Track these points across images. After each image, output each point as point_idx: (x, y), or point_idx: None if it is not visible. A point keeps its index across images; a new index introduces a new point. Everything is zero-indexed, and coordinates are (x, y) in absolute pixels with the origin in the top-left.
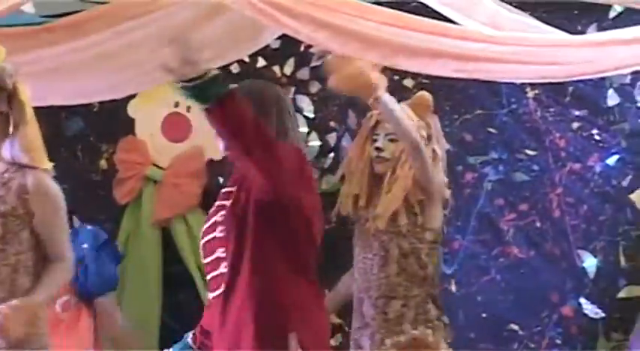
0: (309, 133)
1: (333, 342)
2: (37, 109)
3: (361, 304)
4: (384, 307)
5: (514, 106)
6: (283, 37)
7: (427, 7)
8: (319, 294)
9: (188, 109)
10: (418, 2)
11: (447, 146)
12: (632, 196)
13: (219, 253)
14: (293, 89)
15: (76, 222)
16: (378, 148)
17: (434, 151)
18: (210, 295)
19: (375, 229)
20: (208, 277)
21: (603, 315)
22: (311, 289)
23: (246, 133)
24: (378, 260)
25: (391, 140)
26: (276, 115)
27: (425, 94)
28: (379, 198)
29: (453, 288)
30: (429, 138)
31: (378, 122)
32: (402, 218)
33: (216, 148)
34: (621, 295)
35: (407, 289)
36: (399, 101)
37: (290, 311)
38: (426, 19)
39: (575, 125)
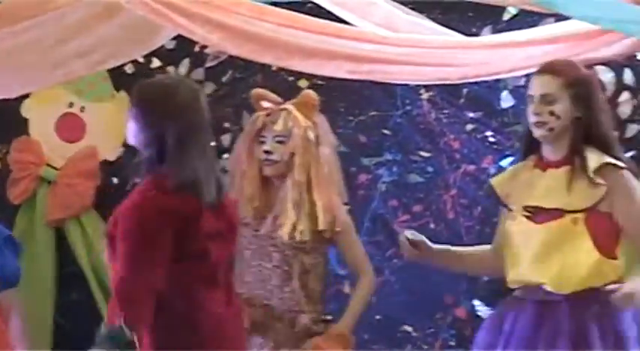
0: None
1: None
2: None
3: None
4: (291, 322)
5: (408, 108)
6: (178, 38)
7: (322, 8)
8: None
9: (82, 109)
10: (313, 3)
11: (341, 147)
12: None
13: None
14: None
15: None
16: (266, 151)
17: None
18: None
19: (279, 239)
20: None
21: None
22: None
23: None
24: (280, 273)
25: (279, 142)
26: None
27: (310, 93)
28: (272, 202)
29: (347, 289)
30: (316, 138)
31: (264, 124)
32: (305, 234)
33: (110, 148)
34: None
35: (308, 304)
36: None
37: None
38: (321, 21)
39: (470, 127)
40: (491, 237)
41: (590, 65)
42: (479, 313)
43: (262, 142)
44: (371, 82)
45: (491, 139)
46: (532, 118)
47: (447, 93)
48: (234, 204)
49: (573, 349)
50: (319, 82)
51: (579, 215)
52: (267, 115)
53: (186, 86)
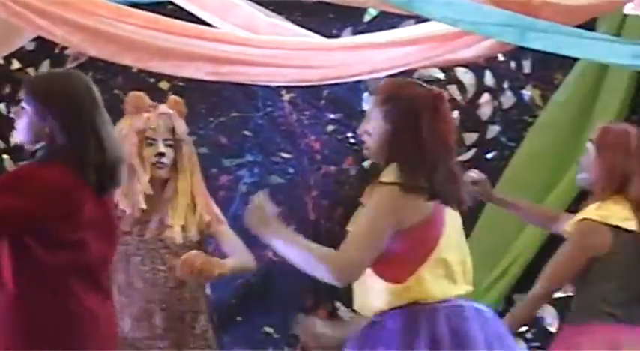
0: None
1: None
2: None
3: (151, 314)
4: (192, 322)
5: (269, 109)
6: (38, 39)
7: (183, 9)
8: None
9: None
10: (174, 5)
11: (202, 149)
12: None
13: None
14: None
15: None
16: (160, 154)
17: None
18: None
19: (170, 241)
20: None
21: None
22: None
23: None
24: (175, 275)
25: (168, 146)
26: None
27: (178, 100)
28: (156, 205)
29: (208, 291)
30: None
31: (149, 128)
32: (194, 233)
33: None
34: None
35: (205, 303)
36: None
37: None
38: (182, 22)
39: (331, 128)
40: None
41: (451, 66)
42: (341, 315)
43: (151, 145)
44: (232, 83)
45: (352, 141)
46: None
47: (308, 94)
48: (114, 204)
49: None
50: (180, 83)
51: None
52: (148, 118)
53: (75, 76)
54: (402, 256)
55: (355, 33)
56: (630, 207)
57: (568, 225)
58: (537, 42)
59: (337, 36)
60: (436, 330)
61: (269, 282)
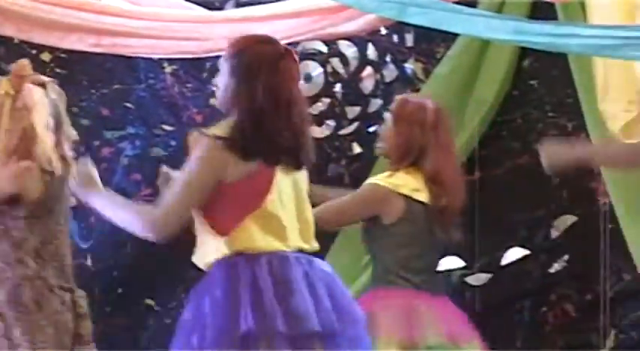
0: None
1: None
2: None
3: None
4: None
5: (152, 82)
6: None
7: None
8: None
9: None
10: None
11: (84, 121)
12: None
13: None
14: None
15: None
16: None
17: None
18: None
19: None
20: None
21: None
22: None
23: None
24: None
25: None
26: None
27: (21, 64)
28: None
29: (89, 262)
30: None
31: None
32: None
33: None
34: None
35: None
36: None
37: None
38: None
39: (213, 101)
40: None
41: (334, 39)
42: None
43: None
44: (114, 55)
45: None
46: None
47: (191, 66)
48: None
49: None
50: (62, 55)
51: None
52: None
53: None
54: (227, 209)
55: (238, 6)
56: (423, 179)
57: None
58: (417, 17)
59: (220, 9)
60: (258, 275)
61: (151, 254)
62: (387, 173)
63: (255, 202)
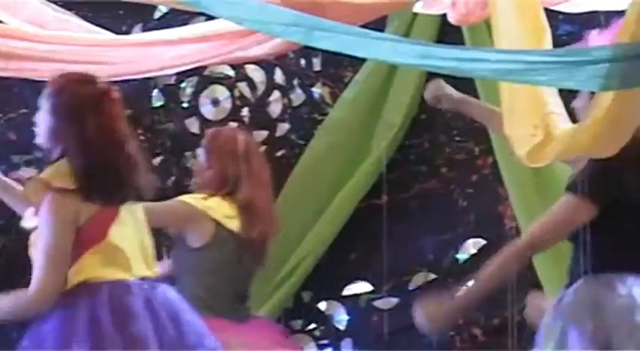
0: None
1: None
2: None
3: None
4: None
5: None
6: None
7: None
8: None
9: None
10: None
11: None
12: None
13: None
14: None
15: None
16: None
17: None
18: None
19: None
20: None
21: None
22: None
23: None
24: None
25: None
26: None
27: None
28: None
29: None
30: None
31: None
32: None
33: None
34: None
35: None
36: None
37: None
38: None
39: None
40: None
41: (242, 63)
42: None
43: None
44: (21, 79)
45: (142, 138)
46: None
47: None
48: None
49: None
50: None
51: None
52: None
53: None
54: (73, 247)
55: (145, 30)
56: (237, 208)
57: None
58: (323, 41)
59: (127, 32)
60: (96, 303)
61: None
62: (202, 195)
63: (99, 237)
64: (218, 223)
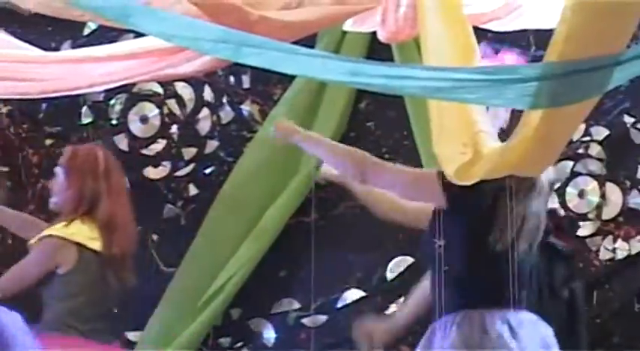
0: None
1: None
2: None
3: None
4: None
5: None
6: None
7: None
8: None
9: None
10: None
11: None
12: None
13: None
14: None
15: None
16: None
17: None
18: None
19: None
20: None
21: None
22: None
23: None
24: None
25: None
26: None
27: None
28: None
29: None
30: None
31: None
32: None
33: None
34: None
35: None
36: None
37: None
38: None
39: (49, 142)
40: None
41: (171, 80)
42: None
43: None
44: None
45: None
46: None
47: (27, 108)
48: None
49: None
50: None
51: None
52: None
53: None
54: None
55: (74, 46)
56: (97, 227)
57: (34, 238)
58: (252, 58)
59: (56, 49)
60: None
61: None
62: (62, 223)
63: None
64: (81, 246)
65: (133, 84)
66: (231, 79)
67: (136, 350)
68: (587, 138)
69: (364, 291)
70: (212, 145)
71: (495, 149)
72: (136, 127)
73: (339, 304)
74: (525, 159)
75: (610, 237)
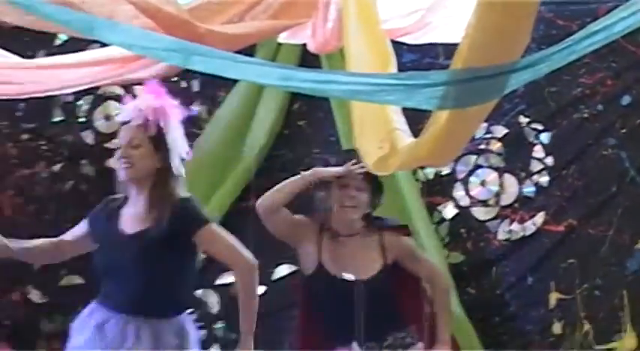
0: None
1: None
2: None
3: None
4: None
5: None
6: None
7: None
8: None
9: None
10: None
11: None
12: None
13: None
14: None
15: None
16: None
17: None
18: None
19: None
20: None
21: (46, 300)
22: None
23: None
24: None
25: None
26: None
27: None
28: None
29: None
30: None
31: None
32: None
33: None
34: (62, 283)
35: None
36: None
37: None
38: None
39: (26, 136)
40: None
41: (130, 84)
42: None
43: None
44: None
45: (44, 148)
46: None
47: (6, 106)
48: None
49: None
50: None
51: None
52: None
53: None
54: None
55: (48, 54)
56: None
57: None
58: (200, 65)
59: (32, 57)
60: None
61: None
62: None
63: None
64: None
65: (98, 87)
66: (183, 83)
67: None
68: (489, 135)
69: (296, 265)
70: None
71: (409, 144)
72: (100, 124)
73: (274, 277)
74: (434, 153)
75: (507, 220)
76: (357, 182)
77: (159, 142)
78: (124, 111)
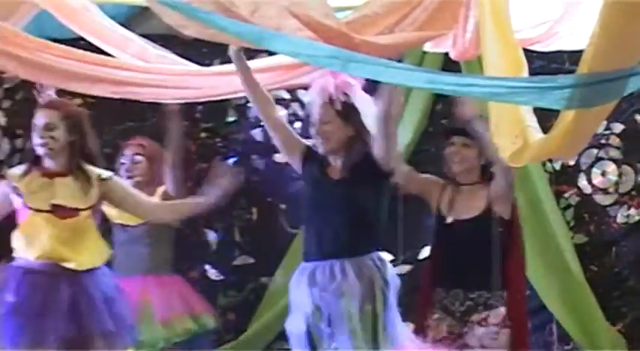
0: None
1: None
2: None
3: None
4: None
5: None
6: None
7: (92, 44)
8: None
9: None
10: (85, 41)
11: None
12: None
13: None
14: None
15: None
16: None
17: None
18: None
19: None
20: None
21: (222, 277)
22: None
23: None
24: None
25: None
26: None
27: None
28: None
29: None
30: None
31: None
32: None
33: None
34: (236, 263)
35: None
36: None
37: None
38: (91, 53)
39: (204, 134)
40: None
41: (295, 88)
42: (208, 275)
43: None
44: (130, 100)
45: (220, 144)
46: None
47: (187, 109)
48: None
49: None
50: (90, 100)
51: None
52: None
53: None
54: None
55: (223, 63)
56: None
57: None
58: (356, 70)
59: (209, 65)
60: None
61: None
62: None
63: None
64: None
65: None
66: None
67: None
68: (608, 131)
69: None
70: None
71: (539, 140)
72: None
73: (420, 257)
74: (561, 147)
75: (625, 206)
76: (462, 140)
77: (347, 114)
78: (310, 93)
